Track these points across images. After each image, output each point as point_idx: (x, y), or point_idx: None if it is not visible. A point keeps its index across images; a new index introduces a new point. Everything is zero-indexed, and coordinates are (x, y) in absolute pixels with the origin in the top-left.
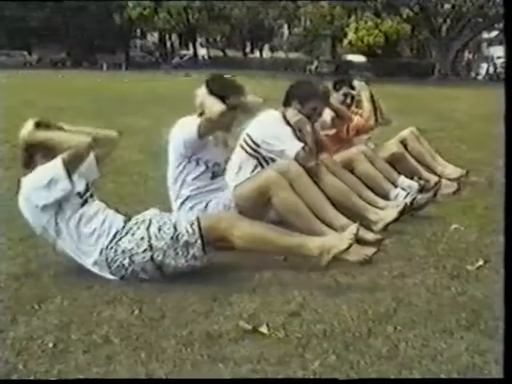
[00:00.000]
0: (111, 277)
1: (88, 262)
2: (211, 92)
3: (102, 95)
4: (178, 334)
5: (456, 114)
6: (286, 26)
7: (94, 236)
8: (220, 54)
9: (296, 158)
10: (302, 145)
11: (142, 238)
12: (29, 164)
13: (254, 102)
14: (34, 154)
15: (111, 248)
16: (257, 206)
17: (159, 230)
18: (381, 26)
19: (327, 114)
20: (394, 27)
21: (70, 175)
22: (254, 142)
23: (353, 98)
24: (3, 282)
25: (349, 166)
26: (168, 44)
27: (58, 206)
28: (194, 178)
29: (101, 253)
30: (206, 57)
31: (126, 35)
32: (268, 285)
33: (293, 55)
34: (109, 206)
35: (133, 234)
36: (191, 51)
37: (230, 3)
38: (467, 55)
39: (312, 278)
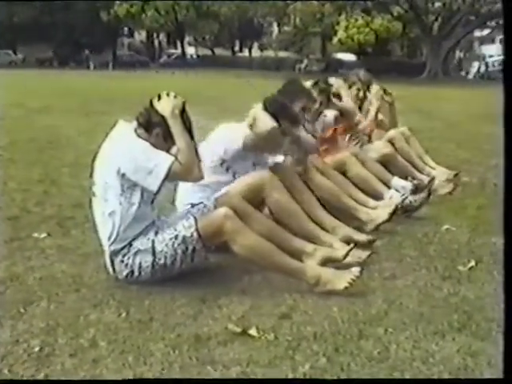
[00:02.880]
0: (110, 272)
1: (105, 238)
2: (266, 110)
3: (89, 95)
4: (166, 337)
5: (446, 114)
6: (275, 24)
7: (135, 231)
8: (208, 52)
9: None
10: (281, 158)
11: (148, 239)
12: (146, 127)
13: (306, 139)
14: (156, 126)
15: (130, 245)
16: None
17: (162, 233)
18: (371, 24)
19: (330, 113)
20: (385, 25)
21: (164, 179)
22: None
23: (364, 94)
24: None
25: (341, 169)
26: (156, 43)
27: (135, 185)
28: (218, 183)
29: (131, 243)
30: (194, 55)
31: (113, 34)
32: (258, 287)
33: (282, 54)
34: None
35: (144, 236)
36: (179, 50)
37: (219, 1)
38: (458, 54)
39: (305, 282)
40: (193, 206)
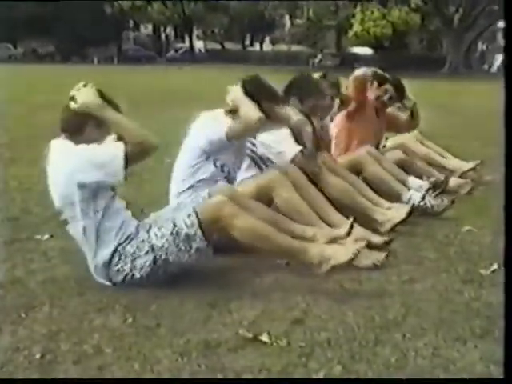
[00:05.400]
0: (105, 281)
1: (91, 256)
2: (246, 93)
3: None
4: (174, 343)
5: (468, 110)
6: (287, 17)
7: (111, 233)
8: (218, 46)
9: (293, 161)
10: (299, 148)
11: (143, 241)
12: (77, 131)
13: (287, 115)
14: (86, 123)
15: (117, 251)
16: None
17: (159, 228)
18: (388, 16)
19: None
20: (403, 18)
21: (126, 166)
22: (250, 141)
23: (391, 97)
24: None
25: (356, 168)
26: (163, 36)
27: (96, 189)
28: (206, 178)
29: (113, 251)
30: (202, 50)
31: (117, 27)
32: (269, 290)
33: (295, 48)
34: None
35: (133, 238)
36: (187, 44)
37: None
38: (481, 46)
39: (316, 283)
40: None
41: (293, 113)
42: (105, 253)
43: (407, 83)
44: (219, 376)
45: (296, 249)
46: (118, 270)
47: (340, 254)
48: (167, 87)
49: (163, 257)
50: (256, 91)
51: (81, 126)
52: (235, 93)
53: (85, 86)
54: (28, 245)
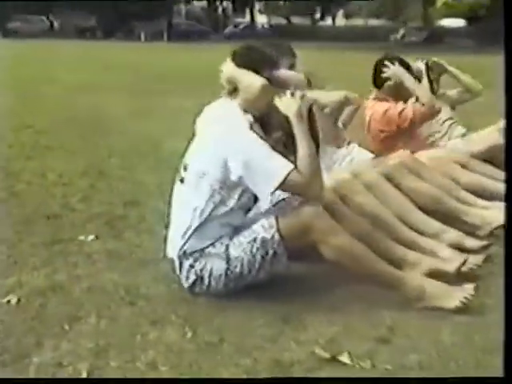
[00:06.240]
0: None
1: (179, 242)
2: (239, 66)
3: (138, 71)
4: (240, 363)
5: None
6: None
7: (219, 228)
8: (283, 21)
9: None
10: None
11: (222, 244)
12: (266, 127)
13: (291, 77)
14: (277, 128)
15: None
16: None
17: (238, 236)
18: None
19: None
20: None
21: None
22: None
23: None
24: (25, 297)
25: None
26: (219, 10)
27: (236, 182)
28: None
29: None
30: (266, 25)
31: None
32: (350, 303)
33: (373, 22)
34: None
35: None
36: (248, 19)
37: None
38: None
39: (405, 296)
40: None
41: (294, 74)
42: (195, 245)
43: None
44: None
45: (392, 277)
46: (191, 266)
47: (445, 298)
48: None
49: (237, 269)
50: (250, 61)
51: (270, 126)
52: (228, 69)
53: (292, 94)
54: (70, 247)
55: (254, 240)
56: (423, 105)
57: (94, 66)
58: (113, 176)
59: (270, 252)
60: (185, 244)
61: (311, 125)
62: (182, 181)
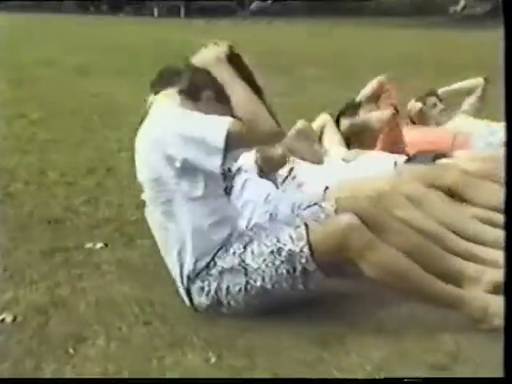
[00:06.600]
0: (186, 299)
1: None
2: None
3: (151, 52)
4: None
5: None
6: None
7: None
8: None
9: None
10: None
11: (234, 254)
12: (193, 94)
13: None
14: (203, 88)
15: (211, 261)
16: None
17: (258, 244)
18: None
19: None
20: None
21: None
22: None
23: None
24: (22, 314)
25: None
26: None
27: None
28: None
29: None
30: None
31: None
32: (401, 325)
33: None
34: None
35: (227, 250)
36: None
37: None
38: None
39: (466, 316)
40: (305, 207)
41: None
42: (201, 260)
43: None
44: None
45: (449, 297)
46: (201, 289)
47: None
48: (253, 48)
49: (258, 283)
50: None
51: (197, 89)
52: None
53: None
54: (75, 256)
55: (279, 252)
56: None
57: (99, 45)
58: (123, 173)
59: (299, 268)
60: (182, 268)
61: (240, 70)
62: (146, 204)
